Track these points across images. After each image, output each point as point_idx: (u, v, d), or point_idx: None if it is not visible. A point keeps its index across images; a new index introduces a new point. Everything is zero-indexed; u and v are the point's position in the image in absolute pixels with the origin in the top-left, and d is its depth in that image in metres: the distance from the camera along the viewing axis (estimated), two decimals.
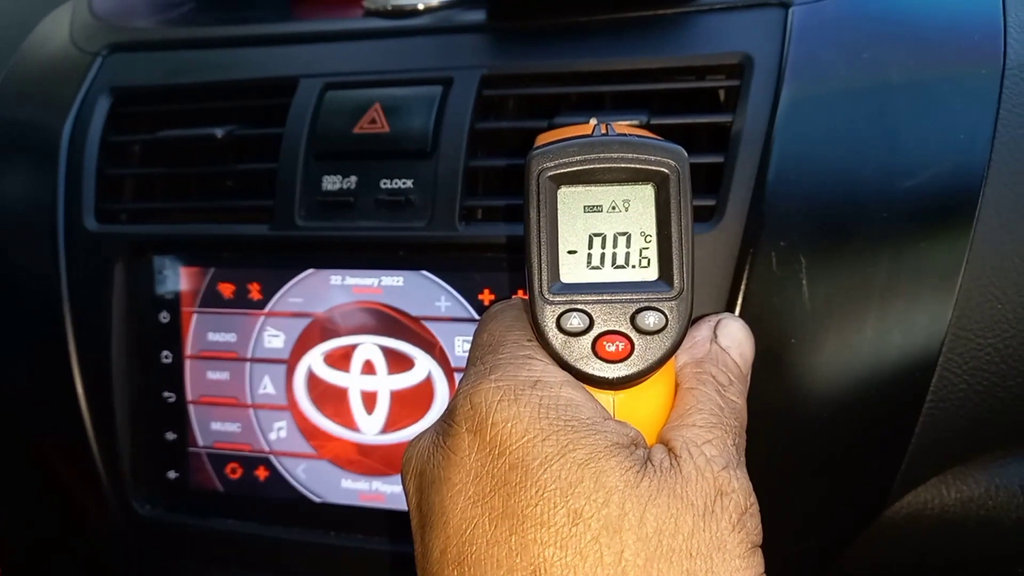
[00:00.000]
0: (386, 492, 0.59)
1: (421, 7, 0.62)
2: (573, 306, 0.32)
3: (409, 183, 0.55)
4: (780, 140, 0.50)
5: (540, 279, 0.32)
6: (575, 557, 0.28)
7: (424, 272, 0.56)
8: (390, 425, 0.58)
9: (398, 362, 0.57)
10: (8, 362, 0.66)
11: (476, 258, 0.54)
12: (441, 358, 0.56)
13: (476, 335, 0.35)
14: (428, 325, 0.56)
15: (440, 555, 0.30)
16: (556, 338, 0.32)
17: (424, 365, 0.56)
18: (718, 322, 0.36)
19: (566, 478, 0.29)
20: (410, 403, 0.57)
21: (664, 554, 0.28)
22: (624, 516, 0.28)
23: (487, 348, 0.34)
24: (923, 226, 0.48)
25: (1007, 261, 0.48)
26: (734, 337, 0.35)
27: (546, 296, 0.32)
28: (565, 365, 0.32)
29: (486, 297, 0.55)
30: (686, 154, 0.33)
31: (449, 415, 0.32)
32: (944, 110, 0.49)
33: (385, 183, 0.56)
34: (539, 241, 0.32)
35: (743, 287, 0.49)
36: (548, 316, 0.32)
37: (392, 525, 0.59)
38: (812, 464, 0.51)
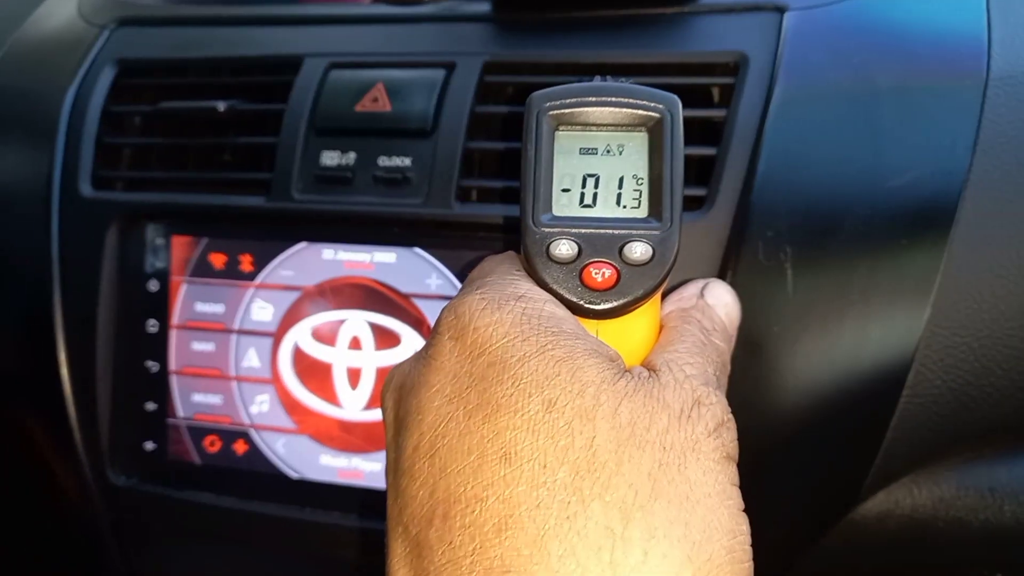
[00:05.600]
0: (365, 470, 0.59)
1: None
2: (563, 234, 0.33)
3: (407, 161, 0.56)
4: (771, 135, 0.51)
5: (533, 210, 0.34)
6: (546, 441, 0.28)
7: (417, 249, 0.56)
8: (373, 402, 0.58)
9: (385, 339, 0.57)
10: None
11: (469, 237, 0.55)
12: (428, 336, 0.56)
13: (468, 275, 0.36)
14: (417, 303, 0.57)
15: (412, 451, 0.30)
16: (544, 264, 0.33)
17: (411, 342, 0.57)
18: (706, 284, 0.37)
19: (543, 371, 0.29)
20: None
21: (637, 443, 0.28)
22: (598, 406, 0.28)
23: (476, 277, 0.34)
24: (904, 225, 0.50)
25: (983, 263, 0.50)
26: (720, 298, 0.36)
27: (537, 224, 0.33)
28: (552, 292, 0.33)
29: None
30: (679, 101, 0.34)
31: (433, 329, 0.32)
32: (928, 116, 0.51)
33: (384, 160, 0.56)
34: (534, 177, 0.34)
35: (730, 274, 0.50)
36: (538, 242, 0.33)
37: (370, 503, 0.59)
38: (786, 454, 0.52)
